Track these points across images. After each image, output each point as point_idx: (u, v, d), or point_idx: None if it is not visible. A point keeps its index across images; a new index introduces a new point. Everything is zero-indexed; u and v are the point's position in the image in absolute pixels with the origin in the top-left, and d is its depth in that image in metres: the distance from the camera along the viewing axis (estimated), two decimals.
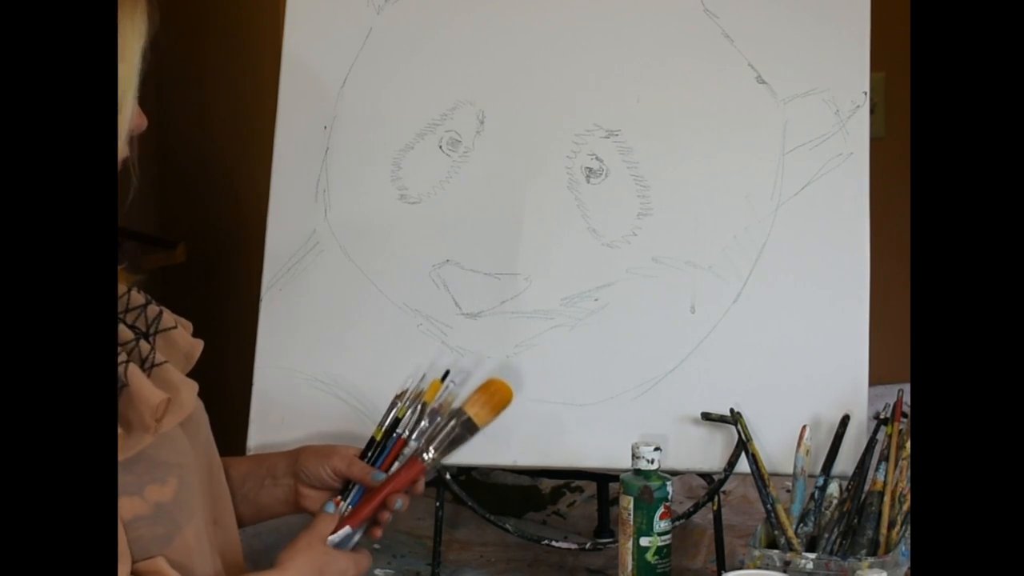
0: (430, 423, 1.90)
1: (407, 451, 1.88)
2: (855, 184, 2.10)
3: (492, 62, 2.18)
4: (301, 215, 2.18)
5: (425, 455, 1.85)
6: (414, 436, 1.90)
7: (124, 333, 1.67)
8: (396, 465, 1.89)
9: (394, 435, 1.90)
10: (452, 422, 1.86)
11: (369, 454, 1.90)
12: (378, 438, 1.91)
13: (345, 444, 1.93)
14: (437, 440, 1.85)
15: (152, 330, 1.73)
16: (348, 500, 1.86)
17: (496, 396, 1.88)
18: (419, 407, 1.92)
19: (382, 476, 1.86)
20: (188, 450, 1.71)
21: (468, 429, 1.86)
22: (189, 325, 1.80)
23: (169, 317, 1.76)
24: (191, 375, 1.74)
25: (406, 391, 1.94)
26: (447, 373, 1.97)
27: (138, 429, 1.63)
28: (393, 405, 1.93)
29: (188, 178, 3.11)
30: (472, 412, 1.86)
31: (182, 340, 1.76)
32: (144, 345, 1.68)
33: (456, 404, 1.89)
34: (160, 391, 1.64)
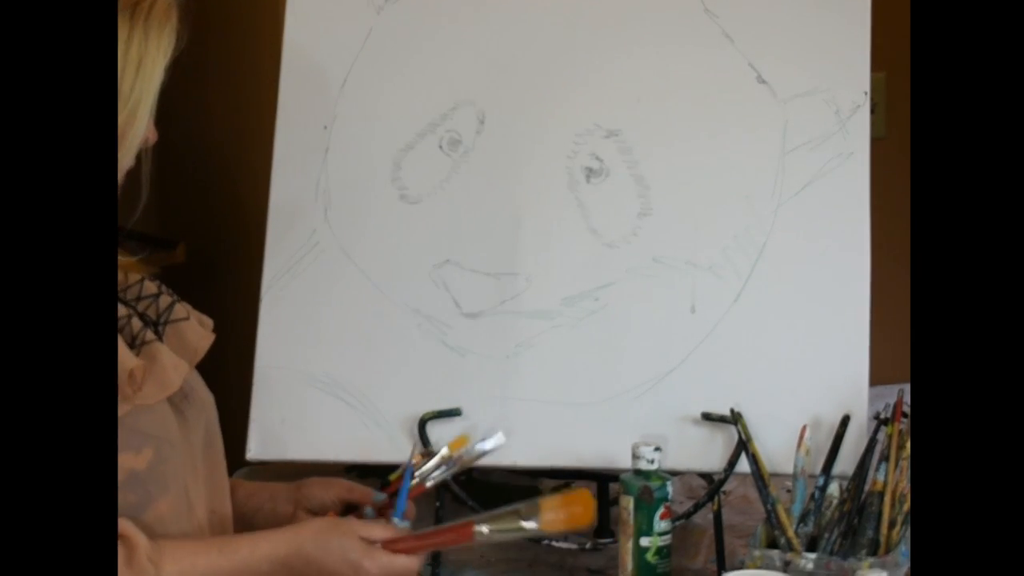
0: (447, 470, 1.86)
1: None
2: (855, 184, 2.10)
3: (492, 62, 2.18)
4: (301, 215, 2.18)
5: (479, 528, 1.75)
6: (428, 482, 1.86)
7: (120, 310, 1.71)
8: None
9: (411, 476, 1.85)
10: (520, 517, 1.76)
11: (382, 490, 1.88)
12: (392, 479, 1.88)
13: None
14: (496, 522, 1.76)
15: (163, 319, 1.76)
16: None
17: (575, 511, 1.77)
18: (439, 457, 1.87)
19: (382, 497, 1.86)
20: (174, 428, 1.73)
21: (529, 520, 1.76)
22: (209, 321, 1.83)
23: (182, 309, 1.80)
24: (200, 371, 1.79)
25: (431, 452, 1.89)
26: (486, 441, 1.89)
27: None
28: (411, 462, 1.87)
29: (188, 178, 3.10)
30: (545, 517, 1.76)
31: (191, 333, 1.79)
32: (136, 323, 1.72)
33: (536, 501, 1.78)
34: (134, 357, 1.67)
